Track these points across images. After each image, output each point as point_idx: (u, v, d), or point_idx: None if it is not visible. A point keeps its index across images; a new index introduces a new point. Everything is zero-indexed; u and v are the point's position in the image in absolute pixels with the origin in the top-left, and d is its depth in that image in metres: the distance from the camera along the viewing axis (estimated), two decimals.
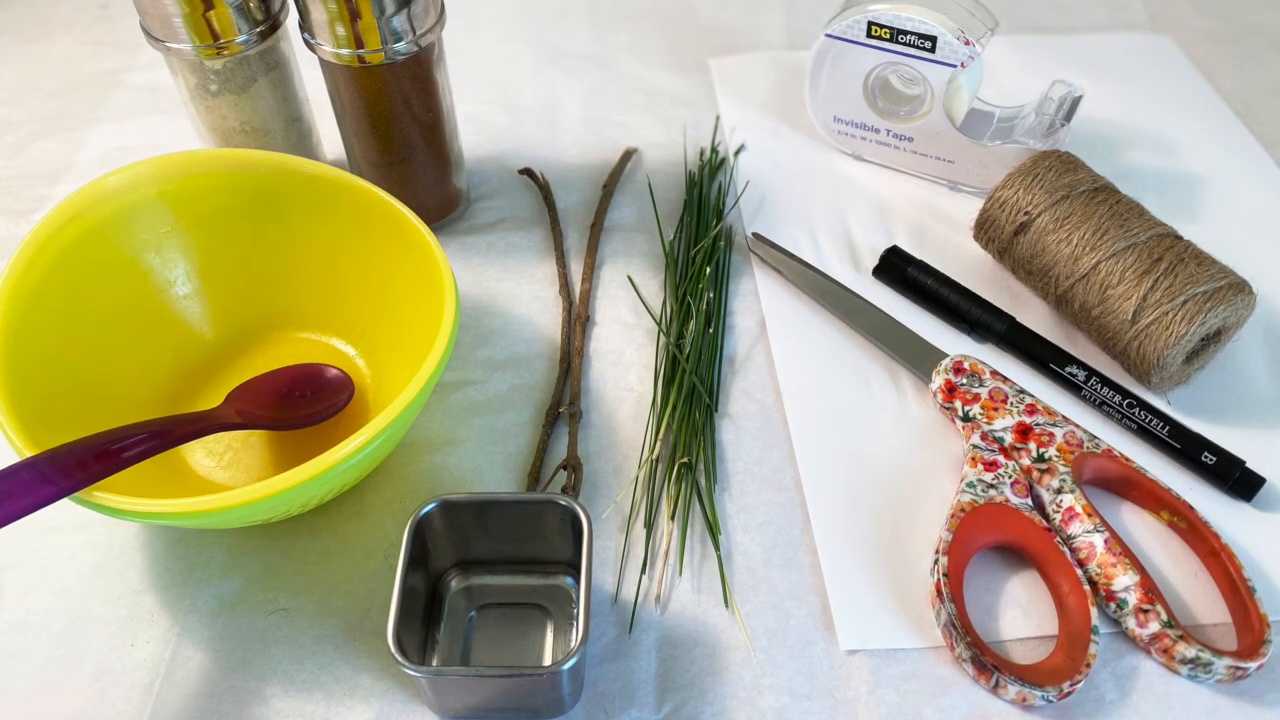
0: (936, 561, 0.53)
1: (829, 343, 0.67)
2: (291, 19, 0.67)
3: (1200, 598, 0.54)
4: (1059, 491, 0.56)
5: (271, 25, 0.66)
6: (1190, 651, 0.50)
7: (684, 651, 0.53)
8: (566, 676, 0.46)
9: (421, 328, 0.56)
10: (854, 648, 0.53)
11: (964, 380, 0.61)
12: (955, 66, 0.70)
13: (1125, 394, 0.61)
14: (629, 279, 0.71)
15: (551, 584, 0.54)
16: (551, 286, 0.71)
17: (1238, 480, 0.58)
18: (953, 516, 0.55)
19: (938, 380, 0.61)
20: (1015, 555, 0.56)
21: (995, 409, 0.59)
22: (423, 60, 0.65)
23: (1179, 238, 0.62)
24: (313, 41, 0.63)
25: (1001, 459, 0.57)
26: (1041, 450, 0.57)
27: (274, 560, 0.56)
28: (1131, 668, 0.52)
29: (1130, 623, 0.52)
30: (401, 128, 0.67)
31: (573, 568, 0.54)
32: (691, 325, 0.65)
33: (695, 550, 0.57)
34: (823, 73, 0.76)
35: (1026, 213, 0.65)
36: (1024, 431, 0.58)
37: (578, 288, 0.70)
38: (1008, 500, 0.55)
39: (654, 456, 0.60)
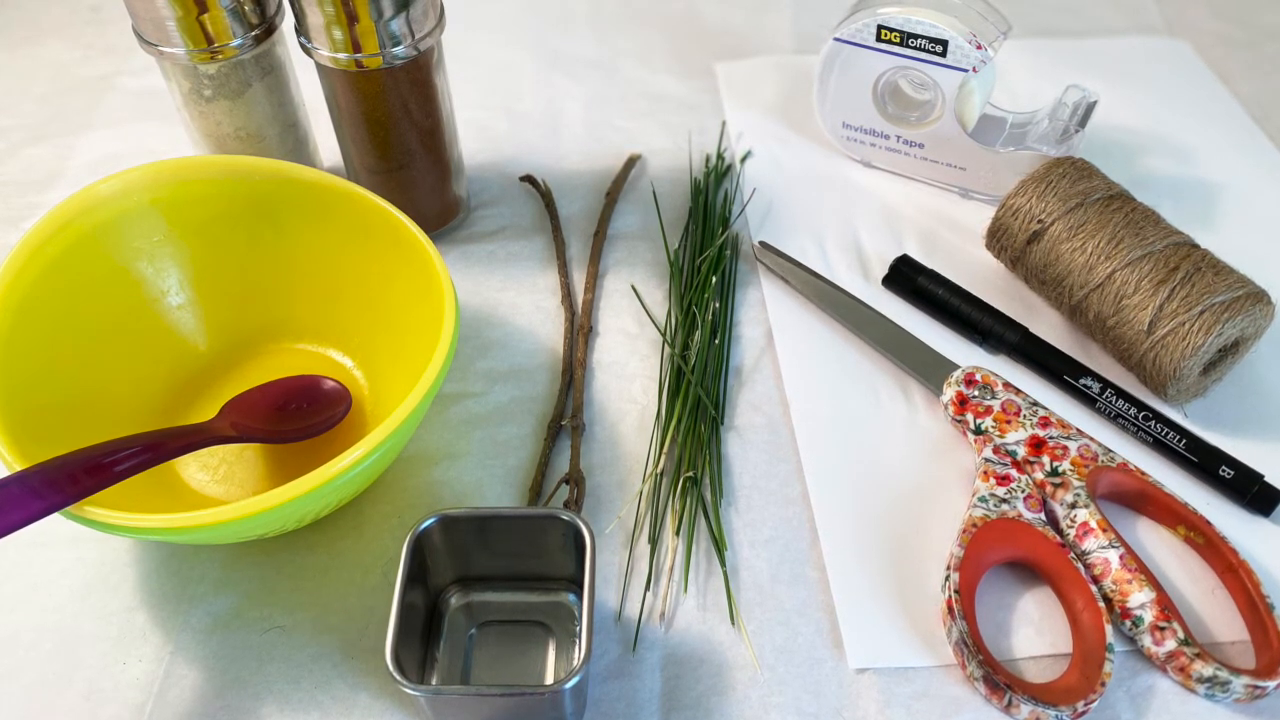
0: (948, 578, 0.53)
1: (837, 354, 0.66)
2: (287, 23, 0.67)
3: (1218, 615, 0.54)
4: (1073, 506, 0.55)
5: (267, 29, 0.65)
6: (1207, 670, 0.50)
7: (689, 670, 0.52)
8: (569, 696, 0.46)
9: (420, 338, 0.55)
10: (863, 666, 0.52)
11: (976, 392, 0.60)
12: (967, 71, 0.69)
13: (1141, 406, 0.60)
14: (633, 289, 0.71)
15: (553, 601, 0.54)
16: (553, 296, 0.70)
17: (1256, 495, 0.58)
18: (964, 532, 0.54)
19: (949, 392, 0.61)
20: (1028, 571, 0.55)
21: (1008, 422, 0.59)
22: (421, 65, 0.64)
23: (1196, 246, 0.62)
24: (309, 46, 0.63)
25: (1014, 473, 0.57)
26: (1055, 464, 0.57)
27: (269, 576, 0.56)
28: (1147, 686, 0.51)
29: (1146, 640, 0.52)
30: (400, 134, 0.67)
31: (575, 584, 0.53)
32: (697, 336, 0.65)
33: (700, 566, 0.56)
34: (831, 77, 0.75)
35: (1040, 221, 0.64)
36: (1037, 445, 0.57)
37: (580, 297, 0.70)
38: (1020, 515, 0.55)
39: (658, 470, 0.59)
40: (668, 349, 0.66)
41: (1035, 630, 0.53)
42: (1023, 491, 0.56)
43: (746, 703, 0.51)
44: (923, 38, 0.69)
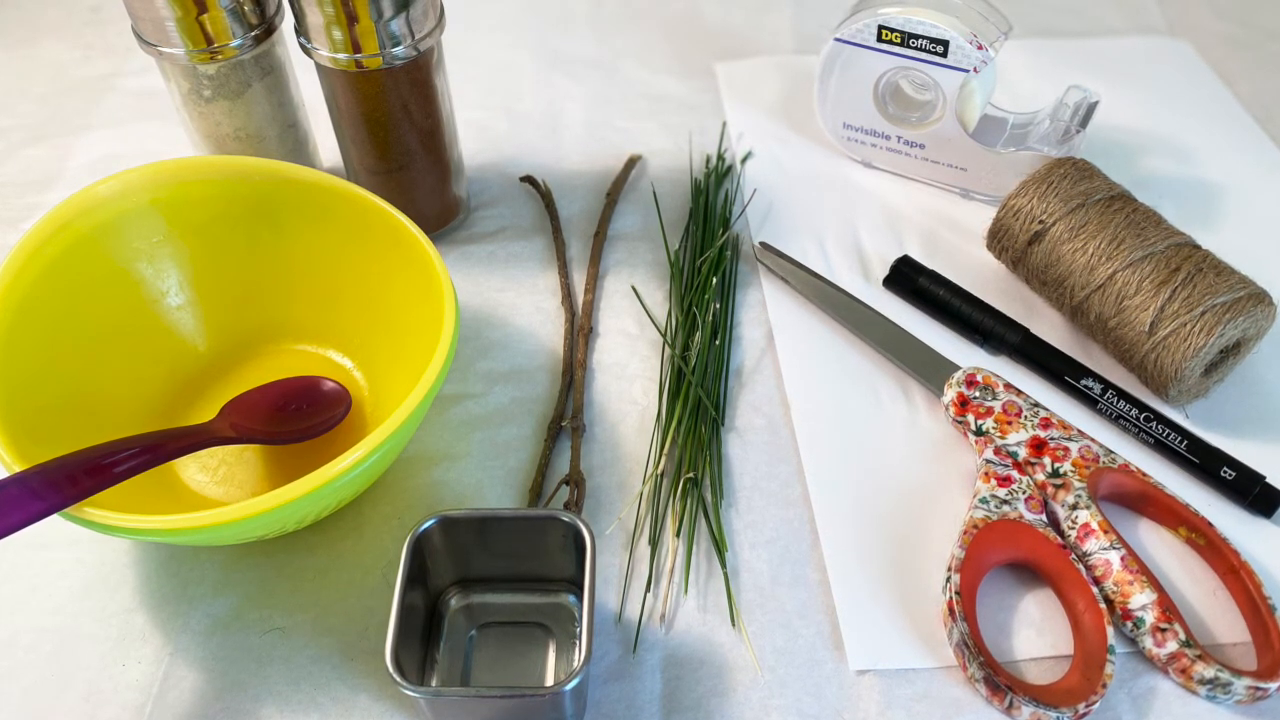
0: (948, 579, 0.52)
1: (838, 355, 0.66)
2: (287, 23, 0.67)
3: (1219, 616, 0.54)
4: (1074, 507, 0.55)
5: (266, 29, 0.65)
6: (1209, 671, 0.50)
7: (689, 671, 0.52)
8: (569, 697, 0.46)
9: (420, 339, 0.55)
10: (864, 668, 0.52)
11: (977, 393, 0.60)
12: (968, 71, 0.69)
13: (1142, 407, 0.60)
14: (633, 289, 0.70)
15: (554, 602, 0.54)
16: (554, 297, 0.70)
17: (1258, 496, 0.57)
18: (965, 533, 0.54)
19: (950, 393, 0.60)
20: (1029, 573, 0.55)
21: (1009, 423, 0.58)
22: (421, 65, 0.64)
23: (1197, 247, 0.62)
24: (309, 46, 0.63)
25: (1015, 474, 0.56)
26: (1056, 465, 0.56)
27: (269, 578, 0.56)
28: (1149, 688, 0.51)
29: (1147, 642, 0.51)
30: (400, 134, 0.66)
31: (575, 585, 0.53)
32: (697, 337, 0.65)
33: (701, 568, 0.56)
34: (832, 78, 0.75)
35: (1041, 221, 0.64)
36: (1038, 446, 0.57)
37: (580, 298, 0.70)
38: (1021, 516, 0.55)
39: (659, 471, 0.59)
40: (668, 350, 0.66)
41: (1036, 632, 0.53)
42: (1024, 493, 0.56)
43: (747, 704, 0.51)
44: (923, 38, 0.69)
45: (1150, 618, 0.51)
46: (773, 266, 0.70)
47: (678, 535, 0.57)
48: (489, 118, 0.85)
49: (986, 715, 0.50)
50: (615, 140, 0.83)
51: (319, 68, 0.64)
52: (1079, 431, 0.58)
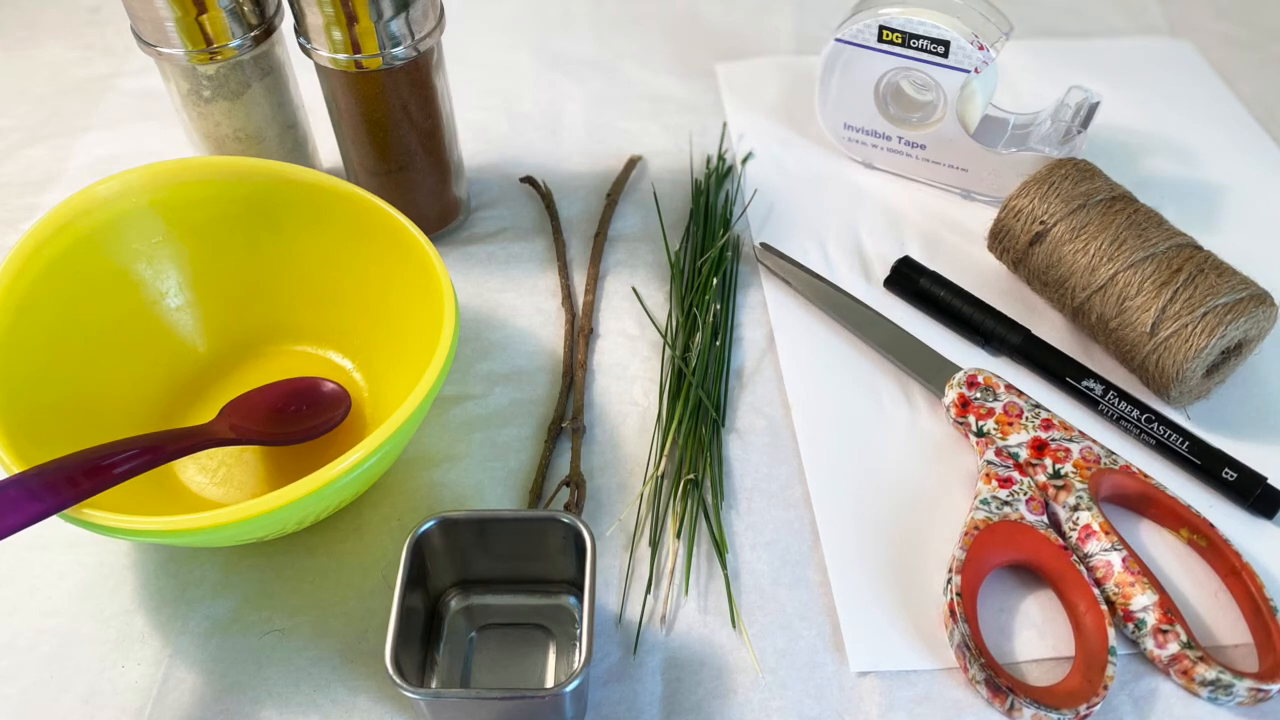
0: (949, 580, 0.52)
1: (839, 356, 0.66)
2: (287, 23, 0.67)
3: (1220, 618, 0.54)
4: (1075, 509, 0.55)
5: (266, 30, 0.65)
6: (1210, 673, 0.49)
7: (690, 673, 0.52)
8: (569, 699, 0.46)
9: (420, 340, 0.55)
10: (865, 669, 0.52)
11: (978, 394, 0.60)
12: (969, 72, 0.69)
13: (1143, 408, 0.60)
14: (634, 290, 0.70)
15: (554, 604, 0.53)
16: (554, 298, 0.70)
17: (1259, 497, 0.57)
18: (966, 534, 0.54)
19: (951, 394, 0.60)
20: (1030, 574, 0.55)
21: (1010, 424, 0.58)
22: (421, 66, 0.64)
23: (1199, 248, 0.62)
24: (308, 46, 0.63)
25: (1016, 475, 0.56)
26: (1058, 466, 0.56)
27: (269, 580, 0.55)
28: (1150, 690, 0.51)
29: (1149, 643, 0.51)
30: (400, 135, 0.66)
31: (576, 587, 0.53)
32: (698, 338, 0.65)
33: (701, 569, 0.56)
34: (833, 78, 0.75)
35: (1042, 222, 0.64)
36: (1039, 447, 0.57)
37: (581, 299, 0.70)
38: (1023, 518, 0.55)
39: (659, 473, 0.59)
40: (669, 351, 0.65)
41: (1037, 633, 0.53)
42: (1025, 494, 0.56)
43: (748, 706, 0.51)
44: (924, 38, 0.68)
45: (1152, 619, 0.51)
46: (773, 267, 0.70)
47: (678, 537, 0.57)
48: (489, 118, 0.85)
49: (987, 717, 0.50)
50: (616, 141, 0.82)
51: (319, 68, 0.64)
52: (1080, 433, 0.58)
